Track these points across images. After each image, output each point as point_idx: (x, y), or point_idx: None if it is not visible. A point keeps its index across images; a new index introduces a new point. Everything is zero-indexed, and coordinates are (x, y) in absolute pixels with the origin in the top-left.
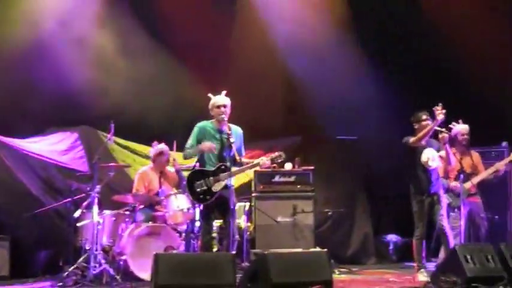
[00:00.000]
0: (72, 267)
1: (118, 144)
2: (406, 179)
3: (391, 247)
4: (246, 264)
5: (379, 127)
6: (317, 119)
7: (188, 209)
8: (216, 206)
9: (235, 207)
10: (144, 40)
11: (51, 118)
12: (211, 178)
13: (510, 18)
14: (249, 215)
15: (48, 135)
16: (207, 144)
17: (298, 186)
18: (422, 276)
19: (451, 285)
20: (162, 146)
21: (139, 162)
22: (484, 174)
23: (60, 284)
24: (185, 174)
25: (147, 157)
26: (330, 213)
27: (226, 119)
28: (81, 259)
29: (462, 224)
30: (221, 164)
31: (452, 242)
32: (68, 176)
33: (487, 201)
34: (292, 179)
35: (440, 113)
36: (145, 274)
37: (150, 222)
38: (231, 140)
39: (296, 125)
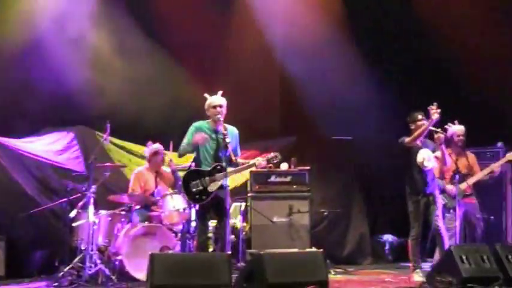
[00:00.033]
0: (68, 267)
1: (114, 144)
2: (402, 180)
3: (387, 247)
4: (241, 264)
5: (376, 127)
6: (312, 119)
7: (184, 209)
8: (211, 206)
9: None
10: (140, 40)
11: (47, 118)
12: (207, 178)
13: (510, 18)
14: (244, 215)
15: (44, 135)
16: (200, 136)
17: (294, 187)
18: (418, 277)
19: (446, 286)
20: (157, 146)
21: (135, 162)
22: (479, 175)
23: (56, 284)
24: (181, 174)
25: (142, 157)
26: (325, 213)
27: (222, 119)
28: (76, 259)
29: (457, 224)
30: (217, 164)
31: (447, 243)
32: (63, 176)
33: (483, 202)
34: (288, 179)
35: (435, 112)
36: (141, 274)
37: (146, 222)
38: (227, 140)
39: (292, 125)
